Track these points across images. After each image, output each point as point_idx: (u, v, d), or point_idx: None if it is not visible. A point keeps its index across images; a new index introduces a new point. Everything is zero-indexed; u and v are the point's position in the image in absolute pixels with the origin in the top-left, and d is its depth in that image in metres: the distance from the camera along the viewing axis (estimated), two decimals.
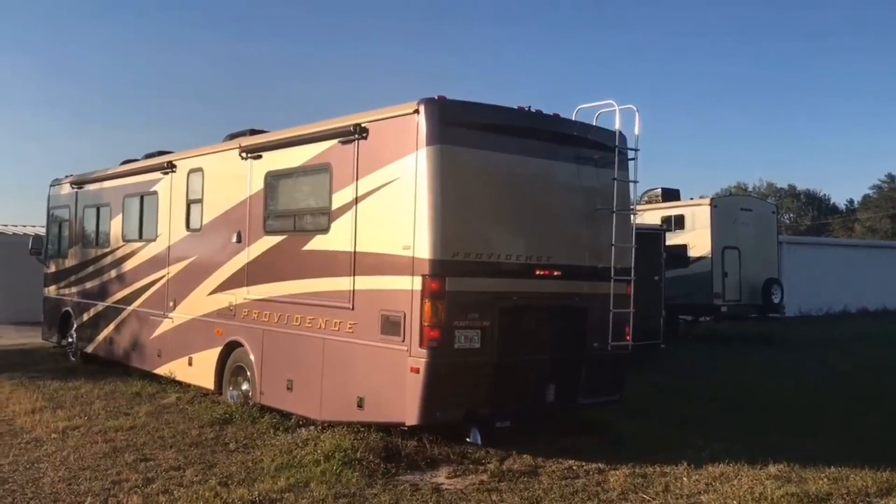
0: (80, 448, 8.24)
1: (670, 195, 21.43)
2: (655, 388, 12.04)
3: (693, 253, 19.48)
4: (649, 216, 20.37)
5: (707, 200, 19.95)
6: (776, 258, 21.06)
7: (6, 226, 30.60)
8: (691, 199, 20.96)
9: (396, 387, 7.80)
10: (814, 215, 70.55)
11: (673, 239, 18.94)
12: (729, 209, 20.28)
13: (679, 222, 20.10)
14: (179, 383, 11.34)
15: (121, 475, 7.23)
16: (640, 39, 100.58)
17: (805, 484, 7.14)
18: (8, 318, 26.08)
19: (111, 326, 13.43)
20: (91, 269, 14.24)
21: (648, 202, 21.45)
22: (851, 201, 73.29)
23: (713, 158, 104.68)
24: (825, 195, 73.62)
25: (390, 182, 8.06)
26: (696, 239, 19.61)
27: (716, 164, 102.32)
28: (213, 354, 10.54)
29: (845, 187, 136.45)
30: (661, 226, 18.32)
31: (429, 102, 7.77)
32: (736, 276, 19.68)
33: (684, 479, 7.37)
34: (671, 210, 20.46)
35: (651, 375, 12.92)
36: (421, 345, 7.59)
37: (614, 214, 8.88)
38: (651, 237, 16.03)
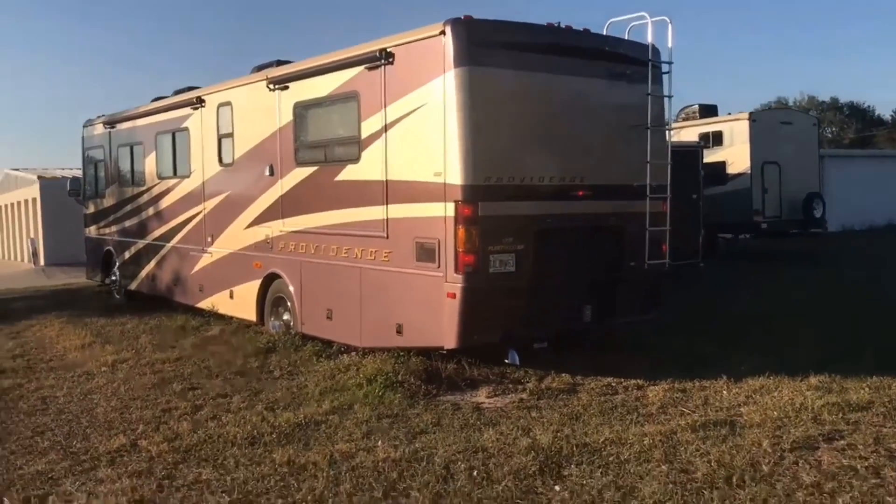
0: (129, 379, 8.52)
1: (708, 111, 20.88)
2: (694, 307, 11.98)
3: (732, 169, 19.07)
4: (686, 133, 19.93)
5: (745, 115, 19.37)
6: (818, 172, 20.54)
7: (46, 169, 31.11)
8: (729, 114, 20.40)
9: (434, 312, 7.87)
10: (858, 128, 68.46)
11: (711, 156, 18.56)
12: (768, 123, 19.73)
13: (717, 139, 19.64)
14: (222, 316, 11.59)
15: (170, 403, 7.49)
16: None
17: (846, 394, 7.11)
18: (54, 260, 26.81)
19: (152, 264, 13.69)
20: (129, 207, 14.45)
21: (685, 119, 20.96)
22: None
23: (751, 74, 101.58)
24: (869, 106, 71.24)
25: (419, 107, 7.97)
26: (735, 155, 19.17)
27: (754, 80, 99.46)
28: (253, 287, 10.71)
29: (891, 96, 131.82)
30: (698, 143, 17.94)
31: (455, 23, 7.61)
32: (776, 191, 19.26)
33: (724, 392, 7.40)
34: (708, 126, 19.97)
35: (689, 294, 12.86)
36: (456, 270, 7.61)
37: (649, 131, 8.70)
38: (688, 155, 15.74)
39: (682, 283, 13.49)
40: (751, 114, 19.29)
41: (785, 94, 66.42)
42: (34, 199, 29.74)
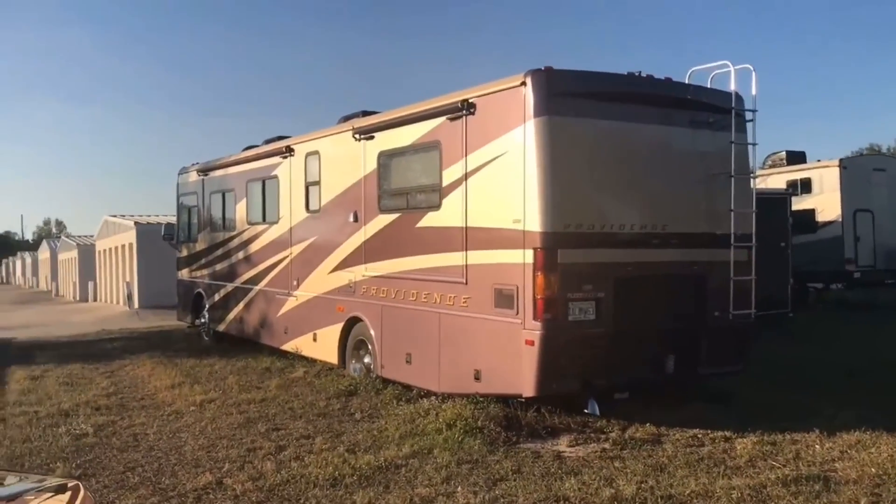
0: (216, 419, 8.77)
1: (795, 158, 20.44)
2: (783, 359, 11.58)
3: (821, 217, 18.56)
4: (773, 180, 19.53)
5: (835, 162, 18.88)
6: None
7: (141, 216, 32.57)
8: (818, 160, 19.90)
9: (512, 359, 7.87)
10: None
11: (799, 203, 18.11)
12: (860, 170, 19.19)
13: (806, 186, 19.17)
14: (305, 358, 11.84)
15: (255, 443, 7.67)
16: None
17: None
18: (147, 302, 27.89)
19: (240, 306, 14.14)
20: (219, 251, 15.00)
21: (772, 166, 20.56)
22: None
23: (841, 120, 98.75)
24: None
25: (499, 156, 8.10)
26: (825, 202, 18.66)
27: (844, 127, 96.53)
28: (335, 330, 10.94)
29: None
30: (785, 190, 17.55)
31: (535, 73, 7.74)
32: (870, 240, 18.64)
33: (816, 446, 7.14)
34: (797, 173, 19.52)
35: (779, 345, 12.46)
36: (535, 317, 7.62)
37: (732, 179, 8.60)
38: (776, 202, 15.43)
39: (772, 333, 13.10)
40: (841, 160, 18.80)
41: (877, 140, 64.12)
42: (131, 245, 31.11)
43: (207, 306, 15.69)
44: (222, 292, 14.92)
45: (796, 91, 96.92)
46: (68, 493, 3.82)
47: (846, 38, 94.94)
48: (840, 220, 18.33)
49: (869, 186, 18.88)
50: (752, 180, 9.05)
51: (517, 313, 7.77)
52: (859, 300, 19.59)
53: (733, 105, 8.71)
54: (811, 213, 18.43)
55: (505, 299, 7.93)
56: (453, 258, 8.65)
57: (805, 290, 19.25)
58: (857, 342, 13.57)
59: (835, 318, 16.83)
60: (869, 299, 19.56)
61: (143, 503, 6.11)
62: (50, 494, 3.74)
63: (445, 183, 8.81)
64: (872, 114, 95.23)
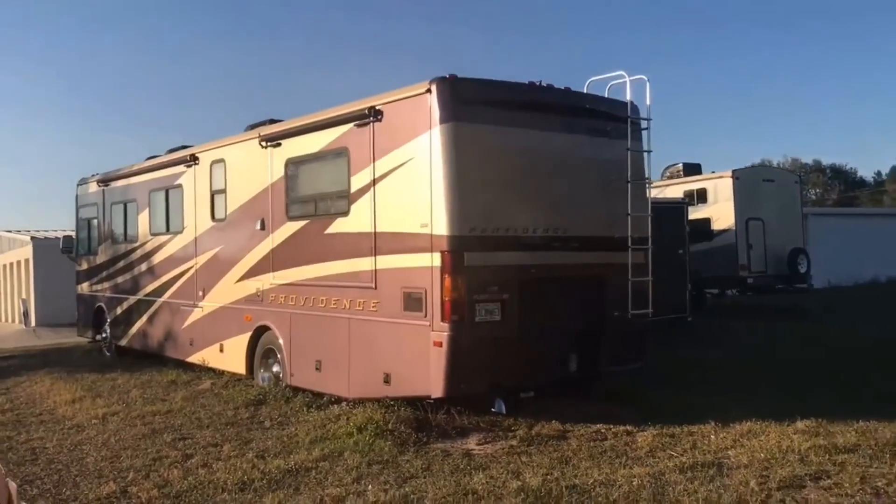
0: (120, 431, 8.56)
1: (692, 169, 21.34)
2: (682, 360, 12.10)
3: (717, 226, 19.40)
4: (671, 191, 20.34)
5: (728, 173, 19.81)
6: (801, 228, 20.92)
7: (38, 231, 31.29)
8: (713, 172, 20.85)
9: (421, 361, 7.99)
10: (840, 189, 69.51)
11: (696, 213, 18.89)
12: (751, 180, 20.16)
13: (701, 196, 20.04)
14: (212, 370, 11.65)
15: (160, 453, 7.54)
16: (656, 13, 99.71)
17: (833, 437, 7.24)
18: (45, 320, 26.77)
19: (143, 319, 13.78)
20: (121, 264, 14.59)
21: (670, 177, 21.40)
22: (879, 173, 72.05)
23: (735, 136, 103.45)
24: (852, 168, 72.48)
25: (406, 162, 8.23)
26: (720, 212, 19.54)
27: (738, 142, 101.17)
28: (243, 340, 10.81)
29: (872, 159, 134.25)
30: (683, 199, 18.30)
31: (441, 81, 7.93)
32: (761, 247, 19.58)
33: (711, 436, 7.52)
34: (693, 184, 20.38)
35: (678, 348, 12.99)
36: (443, 319, 7.77)
37: (629, 184, 8.98)
38: (673, 211, 16.05)
39: (671, 336, 13.64)
40: (734, 171, 19.73)
41: (769, 156, 67.41)
42: (27, 261, 29.83)
43: (109, 320, 15.22)
44: (124, 305, 14.50)
45: (691, 106, 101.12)
46: None
47: (740, 56, 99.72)
48: (734, 228, 19.22)
49: (759, 196, 19.86)
50: (647, 186, 9.47)
51: (426, 316, 7.90)
52: (753, 305, 20.60)
53: (629, 114, 9.11)
54: (707, 221, 19.24)
55: (414, 302, 8.04)
56: (362, 263, 8.71)
57: (702, 295, 20.09)
58: (750, 344, 14.28)
59: (730, 322, 17.63)
60: (761, 304, 20.60)
61: None
62: None
63: (354, 189, 8.88)
64: (763, 131, 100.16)
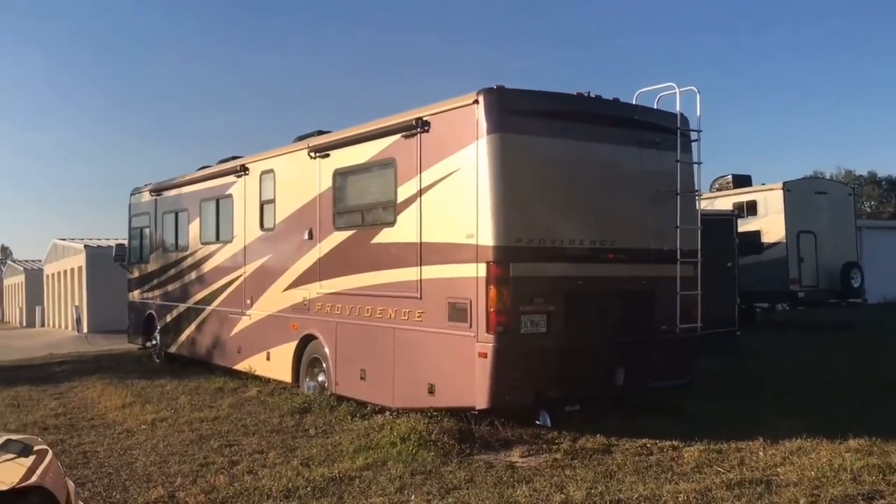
0: (168, 437, 8.69)
1: (741, 181, 21.03)
2: (731, 374, 11.90)
3: (767, 239, 19.08)
4: (720, 203, 20.06)
5: (779, 185, 19.48)
6: (855, 242, 20.46)
7: (91, 239, 32.06)
8: (763, 184, 20.52)
9: (465, 372, 7.97)
10: None
11: (745, 225, 18.61)
12: (802, 193, 19.80)
13: (751, 208, 19.73)
14: (259, 378, 11.77)
15: (207, 459, 7.63)
16: (706, 20, 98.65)
17: (887, 456, 7.06)
18: (97, 326, 27.41)
19: (192, 327, 14.01)
20: (172, 272, 14.87)
21: (719, 189, 21.11)
22: None
23: (787, 148, 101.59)
24: None
25: (453, 172, 8.26)
26: (770, 224, 19.22)
27: (790, 154, 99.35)
28: (289, 348, 10.92)
29: None
30: (732, 212, 18.03)
31: (488, 92, 7.94)
32: (812, 260, 19.21)
33: (760, 453, 7.37)
34: (742, 196, 20.09)
35: (726, 362, 12.76)
36: (488, 330, 7.75)
37: (678, 196, 8.88)
38: (722, 223, 15.81)
39: (720, 350, 13.41)
40: (785, 183, 19.39)
41: (821, 167, 65.99)
42: (80, 268, 30.59)
43: (159, 328, 15.51)
44: (174, 313, 14.77)
45: (743, 118, 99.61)
46: (32, 457, 3.65)
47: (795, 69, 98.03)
48: (784, 241, 18.87)
49: (811, 209, 19.50)
50: (697, 198, 9.34)
51: (470, 326, 7.89)
52: (804, 319, 20.16)
53: (678, 125, 9.01)
54: (757, 234, 18.94)
55: (458, 313, 8.04)
56: (408, 273, 8.74)
57: (752, 309, 19.75)
58: (801, 359, 13.96)
59: (780, 337, 17.29)
60: (813, 319, 20.15)
61: None
62: (11, 455, 3.58)
63: (400, 199, 8.93)
64: (816, 143, 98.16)
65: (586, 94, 8.69)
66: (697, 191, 9.38)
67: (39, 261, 42.10)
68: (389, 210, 9.13)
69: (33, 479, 3.53)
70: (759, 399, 10.08)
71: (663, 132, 9.01)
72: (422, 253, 8.57)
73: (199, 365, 13.78)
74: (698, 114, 9.12)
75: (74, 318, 30.23)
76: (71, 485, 4.25)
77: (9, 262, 56.95)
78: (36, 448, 3.85)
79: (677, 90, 9.02)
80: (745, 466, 6.97)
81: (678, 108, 9.08)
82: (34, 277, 40.68)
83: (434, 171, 8.49)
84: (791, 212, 19.05)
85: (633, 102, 9.17)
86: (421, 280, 8.56)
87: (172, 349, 14.90)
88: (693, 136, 9.19)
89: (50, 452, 3.85)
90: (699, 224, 9.22)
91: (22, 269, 43.67)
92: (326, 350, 10.16)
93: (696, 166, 9.24)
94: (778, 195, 19.26)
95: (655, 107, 9.23)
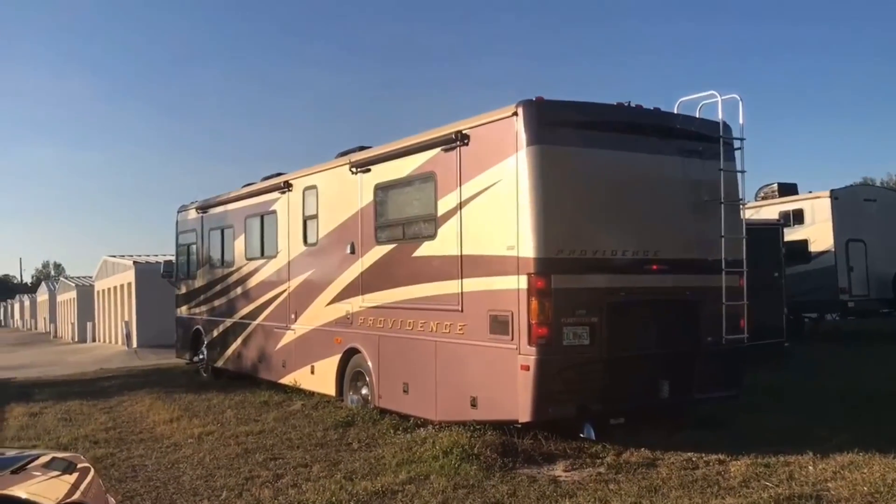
0: (214, 450, 8.80)
1: (787, 190, 20.63)
2: (779, 386, 11.64)
3: (814, 248, 18.71)
4: (766, 212, 19.71)
5: (826, 193, 19.09)
6: None
7: (140, 256, 32.68)
8: (810, 192, 20.13)
9: (508, 385, 7.94)
10: None
11: (792, 234, 18.27)
12: (851, 200, 19.36)
13: (798, 217, 19.36)
14: (303, 391, 11.88)
15: (252, 472, 7.72)
16: (753, 30, 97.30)
17: None
18: (146, 341, 27.89)
19: (238, 341, 14.20)
20: (218, 287, 15.10)
21: (764, 198, 20.75)
22: None
23: (835, 155, 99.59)
24: None
25: (493, 185, 8.26)
26: (817, 233, 18.83)
27: (838, 160, 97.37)
28: (333, 362, 11.00)
29: None
30: (778, 221, 17.71)
31: (527, 104, 7.94)
32: (862, 269, 18.75)
33: (809, 467, 7.20)
34: (789, 204, 19.72)
35: (774, 374, 12.52)
36: (530, 342, 7.71)
37: (722, 205, 8.77)
38: (768, 232, 15.56)
39: (768, 361, 13.15)
40: (832, 191, 19.00)
41: (871, 173, 64.55)
42: (129, 284, 31.20)
43: (206, 342, 15.74)
44: (220, 328, 14.98)
45: (789, 124, 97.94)
46: (75, 474, 3.77)
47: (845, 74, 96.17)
48: (833, 249, 18.47)
49: (860, 217, 19.05)
50: (741, 207, 9.21)
51: (512, 339, 7.86)
52: (854, 330, 19.67)
53: (721, 133, 8.91)
54: (804, 243, 18.59)
55: (500, 325, 8.02)
56: (449, 286, 8.76)
57: (800, 320, 19.34)
58: (852, 371, 13.62)
59: (830, 348, 16.89)
60: (864, 329, 19.65)
61: None
62: (56, 472, 3.71)
63: (440, 212, 8.96)
64: (865, 150, 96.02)
65: (627, 104, 8.64)
66: (742, 199, 9.24)
67: (90, 277, 43.04)
68: (430, 223, 9.16)
69: (76, 495, 3.66)
70: (808, 412, 9.84)
71: (706, 141, 8.90)
72: (462, 266, 8.58)
73: (245, 379, 13.96)
74: (741, 121, 9.04)
75: (124, 333, 30.81)
76: (112, 501, 4.34)
77: (61, 278, 58.32)
78: (79, 466, 3.97)
79: (719, 98, 8.92)
80: (795, 481, 6.81)
81: (720, 116, 8.99)
82: (85, 294, 41.57)
83: (474, 183, 8.51)
84: (839, 220, 18.64)
85: (675, 111, 9.08)
86: (462, 293, 8.56)
87: (219, 363, 15.11)
88: (736, 143, 9.08)
89: (92, 470, 3.98)
90: (744, 233, 9.08)
91: (74, 285, 44.68)
92: (369, 363, 10.21)
93: (739, 175, 9.12)
94: (825, 203, 18.87)
95: (697, 115, 9.13)
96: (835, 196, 18.87)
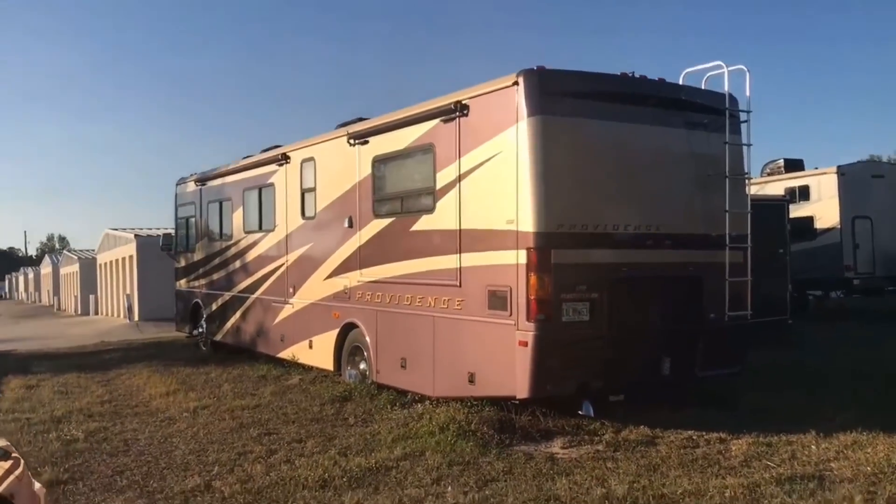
0: (209, 425, 8.71)
1: (793, 166, 20.38)
2: (781, 364, 11.50)
3: (820, 224, 18.49)
4: (771, 188, 19.49)
5: (833, 169, 18.83)
6: None
7: (142, 229, 32.59)
8: (816, 168, 19.87)
9: (506, 361, 7.81)
10: None
11: (798, 211, 18.04)
12: (858, 177, 19.10)
13: (804, 193, 19.13)
14: (301, 366, 11.78)
15: (246, 447, 7.62)
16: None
17: None
18: (147, 314, 27.89)
19: (237, 315, 14.09)
20: (216, 261, 14.97)
21: (770, 174, 20.51)
22: None
23: (841, 132, 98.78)
24: None
25: (492, 157, 8.07)
26: (823, 209, 18.61)
27: (844, 138, 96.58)
28: (331, 337, 10.88)
29: None
30: (784, 197, 17.49)
31: (528, 73, 7.72)
32: (869, 246, 18.55)
33: (812, 446, 7.07)
34: (794, 181, 19.48)
35: (778, 351, 12.37)
36: (528, 318, 7.57)
37: (727, 179, 8.57)
38: (774, 209, 15.31)
39: (771, 339, 13.00)
40: (839, 167, 18.75)
41: (878, 151, 64.05)
42: (131, 257, 31.13)
43: (205, 316, 15.64)
44: (219, 301, 14.87)
45: (796, 101, 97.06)
46: (10, 462, 3.77)
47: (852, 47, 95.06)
48: (839, 226, 18.26)
49: (867, 193, 18.81)
50: (747, 181, 9.01)
51: (510, 314, 7.72)
52: (859, 307, 19.51)
53: (727, 106, 8.69)
54: (809, 220, 18.37)
55: (498, 301, 7.87)
56: (447, 261, 8.60)
57: (805, 297, 19.17)
58: (856, 349, 13.46)
59: (834, 325, 16.74)
60: (869, 307, 19.48)
61: None
62: None
63: (439, 186, 8.78)
64: (873, 126, 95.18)
65: (630, 75, 8.42)
66: (747, 174, 9.04)
67: (93, 250, 43.01)
68: (428, 197, 8.98)
69: (1, 488, 3.61)
70: (811, 390, 9.70)
71: (711, 113, 8.70)
72: (461, 240, 8.41)
73: (244, 353, 13.86)
74: (748, 94, 8.81)
75: (126, 306, 30.81)
76: (41, 493, 4.24)
77: (65, 251, 58.40)
78: (13, 455, 3.93)
79: (725, 69, 8.70)
80: (797, 461, 6.68)
81: (726, 88, 8.76)
82: (88, 267, 41.55)
83: (473, 155, 8.32)
84: (846, 196, 18.42)
85: (680, 83, 8.86)
86: (460, 268, 8.40)
87: (218, 337, 15.02)
88: (742, 116, 8.86)
89: (22, 462, 3.92)
90: (749, 208, 8.89)
91: (77, 258, 44.66)
92: (367, 338, 10.08)
93: (745, 148, 8.91)
94: (832, 179, 18.63)
95: (703, 87, 8.90)
96: (841, 172, 18.63)
